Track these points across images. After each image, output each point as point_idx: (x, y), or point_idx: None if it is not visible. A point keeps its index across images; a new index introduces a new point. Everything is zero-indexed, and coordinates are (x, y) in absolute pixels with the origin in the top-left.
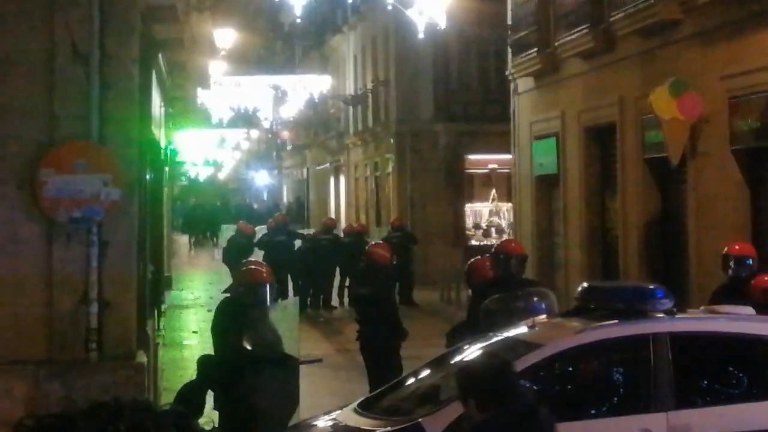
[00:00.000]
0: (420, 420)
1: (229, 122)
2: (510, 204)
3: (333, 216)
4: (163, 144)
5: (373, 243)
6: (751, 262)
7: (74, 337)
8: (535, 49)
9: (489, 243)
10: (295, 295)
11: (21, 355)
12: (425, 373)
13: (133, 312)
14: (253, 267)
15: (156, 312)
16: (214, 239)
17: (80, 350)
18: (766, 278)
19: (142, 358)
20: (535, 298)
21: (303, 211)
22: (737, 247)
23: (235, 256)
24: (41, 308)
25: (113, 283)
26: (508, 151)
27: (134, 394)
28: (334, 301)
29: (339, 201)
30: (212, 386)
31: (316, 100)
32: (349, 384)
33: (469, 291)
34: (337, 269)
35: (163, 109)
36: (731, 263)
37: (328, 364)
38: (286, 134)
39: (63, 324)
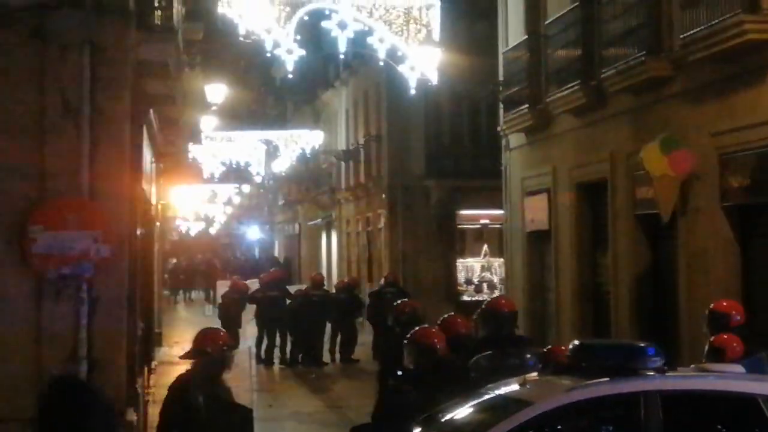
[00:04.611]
0: None
1: (221, 177)
2: (502, 259)
3: (324, 271)
4: (153, 199)
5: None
6: (728, 318)
7: None
8: (527, 105)
9: (481, 298)
10: (283, 351)
11: (9, 414)
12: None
13: (122, 369)
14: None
15: (146, 369)
16: (188, 296)
17: None
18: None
19: (131, 416)
20: (528, 355)
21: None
22: (725, 303)
23: (228, 311)
24: (30, 366)
25: (103, 340)
26: (499, 207)
27: None
28: (326, 357)
29: (331, 256)
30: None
31: (308, 155)
32: None
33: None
34: (328, 325)
35: (153, 164)
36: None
37: (318, 420)
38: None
39: None
